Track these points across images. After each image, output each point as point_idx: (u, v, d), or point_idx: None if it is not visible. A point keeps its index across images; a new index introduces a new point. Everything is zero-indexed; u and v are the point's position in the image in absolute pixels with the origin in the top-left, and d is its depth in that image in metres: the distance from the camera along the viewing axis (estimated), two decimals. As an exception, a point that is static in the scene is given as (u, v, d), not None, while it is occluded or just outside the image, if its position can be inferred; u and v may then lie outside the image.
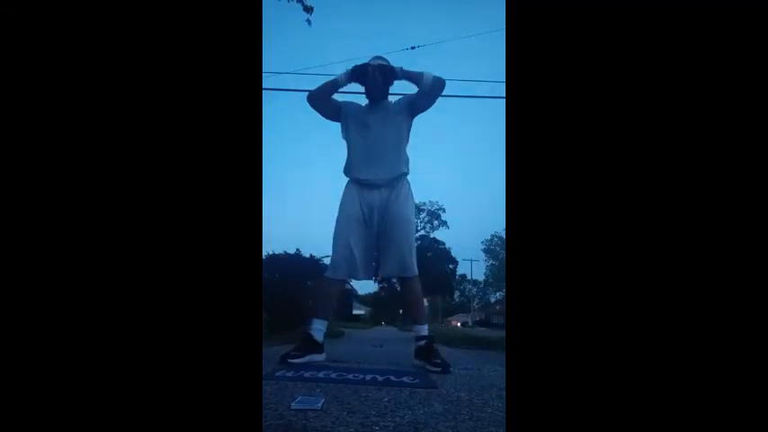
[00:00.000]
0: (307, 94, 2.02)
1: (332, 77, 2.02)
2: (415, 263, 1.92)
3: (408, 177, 2.02)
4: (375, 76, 1.96)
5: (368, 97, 2.04)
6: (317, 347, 1.87)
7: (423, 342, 1.88)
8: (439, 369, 1.70)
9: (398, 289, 2.03)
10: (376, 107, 2.01)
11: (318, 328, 1.89)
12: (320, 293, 2.01)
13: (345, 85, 2.00)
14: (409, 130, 2.04)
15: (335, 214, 2.00)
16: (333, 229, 1.98)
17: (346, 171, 2.02)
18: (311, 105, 2.03)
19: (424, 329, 1.91)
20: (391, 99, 2.06)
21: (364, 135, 1.97)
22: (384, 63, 2.01)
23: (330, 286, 1.97)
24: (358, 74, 1.97)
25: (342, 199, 2.00)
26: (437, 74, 1.92)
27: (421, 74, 1.93)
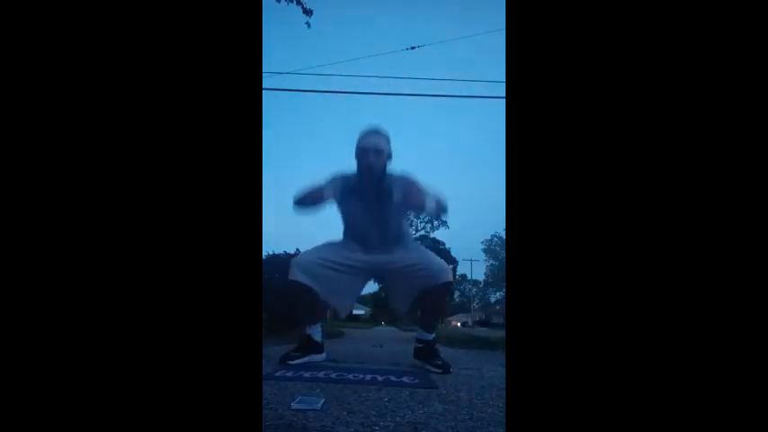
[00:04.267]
0: (293, 199, 1.78)
1: (316, 185, 1.78)
2: (447, 268, 1.84)
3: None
4: (372, 171, 1.74)
5: (365, 179, 1.79)
6: (317, 347, 1.87)
7: (423, 343, 1.88)
8: (439, 369, 1.70)
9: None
10: (370, 189, 1.78)
11: (315, 329, 1.88)
12: (298, 302, 1.92)
13: (332, 198, 1.77)
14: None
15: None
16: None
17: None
18: (297, 211, 1.79)
19: (430, 336, 1.89)
20: (390, 175, 1.81)
21: (361, 214, 1.80)
22: (386, 150, 1.77)
23: (312, 297, 1.85)
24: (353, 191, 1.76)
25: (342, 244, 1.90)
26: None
27: (422, 207, 1.68)
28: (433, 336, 1.91)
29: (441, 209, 1.76)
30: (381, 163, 1.76)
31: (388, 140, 1.80)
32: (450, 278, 1.84)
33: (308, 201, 1.77)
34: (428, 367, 1.75)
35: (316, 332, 1.88)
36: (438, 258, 1.86)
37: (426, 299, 1.85)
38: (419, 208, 1.72)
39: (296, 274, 1.80)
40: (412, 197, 1.67)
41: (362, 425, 0.86)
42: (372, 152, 1.74)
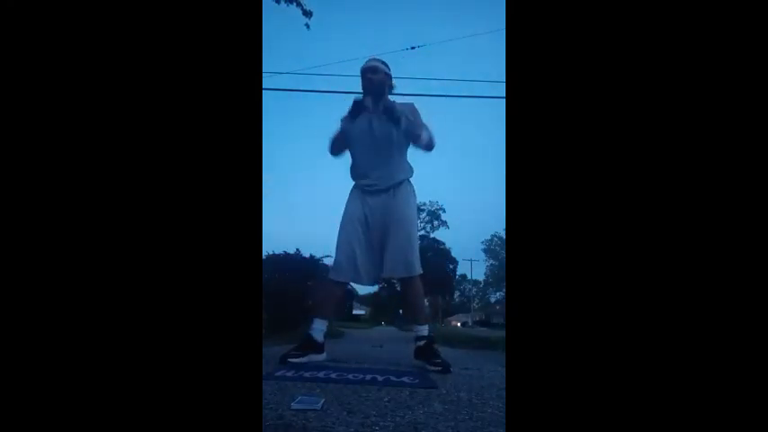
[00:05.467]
0: (328, 150, 2.09)
1: (336, 127, 2.05)
2: (418, 262, 1.92)
3: (411, 180, 2.05)
4: (372, 85, 1.97)
5: (367, 96, 2.02)
6: (317, 347, 1.89)
7: (422, 342, 1.89)
8: (439, 369, 1.71)
9: (399, 289, 2.09)
10: (377, 111, 1.98)
11: (319, 328, 1.91)
12: (322, 294, 2.03)
13: (353, 121, 1.99)
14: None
15: (336, 213, 2.03)
16: (335, 229, 2.02)
17: (351, 176, 2.08)
18: (335, 156, 2.10)
19: (425, 330, 1.92)
20: (393, 100, 2.02)
21: (366, 142, 1.98)
22: (382, 69, 2.01)
23: (333, 288, 1.99)
24: (358, 108, 1.96)
25: (346, 204, 2.03)
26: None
27: (419, 135, 1.93)
28: (428, 330, 1.95)
29: (430, 143, 1.97)
30: (378, 79, 1.98)
31: (385, 64, 2.04)
32: (413, 273, 1.91)
33: (338, 143, 2.06)
34: (428, 367, 1.77)
35: (317, 332, 1.90)
36: (410, 252, 1.92)
37: (403, 294, 2.03)
38: (416, 135, 1.94)
39: (334, 275, 1.95)
40: (412, 122, 1.92)
41: (362, 425, 0.86)
42: (369, 70, 1.99)
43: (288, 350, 1.85)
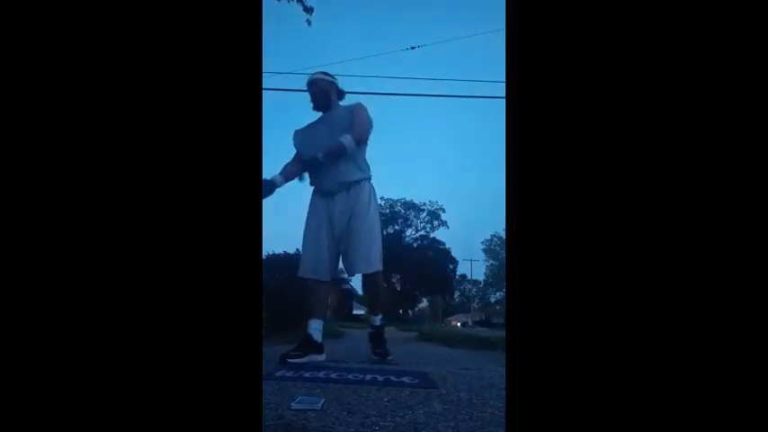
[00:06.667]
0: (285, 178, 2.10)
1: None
2: (378, 259, 2.02)
3: (373, 180, 2.15)
4: (316, 98, 2.10)
5: (314, 109, 2.15)
6: (317, 347, 1.91)
7: (373, 330, 2.20)
8: (378, 357, 2.03)
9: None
10: (324, 118, 2.12)
11: (315, 328, 1.94)
12: (309, 295, 2.10)
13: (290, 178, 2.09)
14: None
15: None
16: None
17: (310, 182, 2.16)
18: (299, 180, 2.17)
19: (377, 320, 2.20)
20: (341, 106, 2.13)
21: (315, 148, 2.02)
22: (323, 80, 2.12)
23: (316, 287, 2.04)
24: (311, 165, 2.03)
25: (310, 204, 2.14)
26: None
27: (341, 146, 1.95)
28: (380, 321, 2.19)
29: (352, 145, 1.97)
30: (318, 89, 2.10)
31: (327, 75, 2.16)
32: (373, 270, 2.02)
33: (291, 170, 2.10)
34: (371, 355, 2.06)
35: (316, 332, 1.93)
36: (371, 249, 2.01)
37: (364, 288, 2.23)
38: (337, 149, 1.97)
39: (303, 271, 2.03)
40: (354, 119, 2.02)
41: (362, 425, 0.86)
42: (310, 84, 2.12)
43: (287, 350, 1.87)
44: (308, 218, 2.09)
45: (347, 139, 1.95)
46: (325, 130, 2.07)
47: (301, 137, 2.16)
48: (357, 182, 2.05)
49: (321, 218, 2.04)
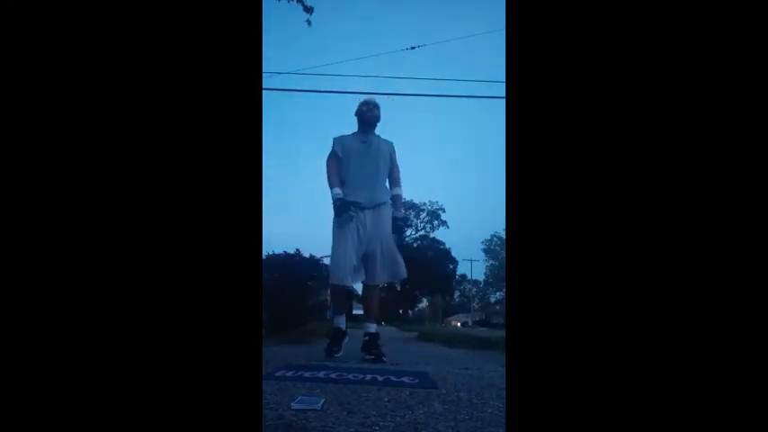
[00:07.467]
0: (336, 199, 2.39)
1: (328, 168, 2.43)
2: (403, 270, 2.35)
3: (402, 186, 2.54)
4: (367, 118, 2.42)
5: (360, 129, 2.46)
6: (345, 334, 2.36)
7: (367, 338, 2.34)
8: (372, 358, 2.17)
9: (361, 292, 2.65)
10: (367, 138, 2.43)
11: (341, 321, 2.41)
12: (333, 296, 2.49)
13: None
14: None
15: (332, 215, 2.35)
16: (329, 228, 2.36)
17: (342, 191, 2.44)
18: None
19: (372, 327, 2.37)
20: (379, 135, 2.47)
21: (357, 163, 2.37)
22: (376, 106, 2.45)
23: (340, 290, 2.38)
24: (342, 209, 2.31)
25: (336, 220, 2.36)
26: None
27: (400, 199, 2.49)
28: (374, 328, 2.35)
29: (398, 217, 2.45)
30: (374, 116, 2.44)
31: (378, 106, 2.50)
32: (400, 278, 2.41)
33: (338, 178, 2.38)
34: (365, 356, 2.21)
35: (343, 324, 2.35)
36: (400, 261, 2.36)
37: (364, 296, 2.46)
38: (393, 180, 2.48)
39: (338, 279, 2.27)
40: (394, 168, 2.48)
41: (362, 425, 0.86)
42: (372, 104, 2.45)
43: (327, 346, 2.29)
44: (337, 228, 2.31)
45: (399, 191, 2.47)
46: (371, 162, 2.38)
47: (347, 152, 2.39)
48: (385, 203, 2.40)
49: (351, 228, 2.29)
